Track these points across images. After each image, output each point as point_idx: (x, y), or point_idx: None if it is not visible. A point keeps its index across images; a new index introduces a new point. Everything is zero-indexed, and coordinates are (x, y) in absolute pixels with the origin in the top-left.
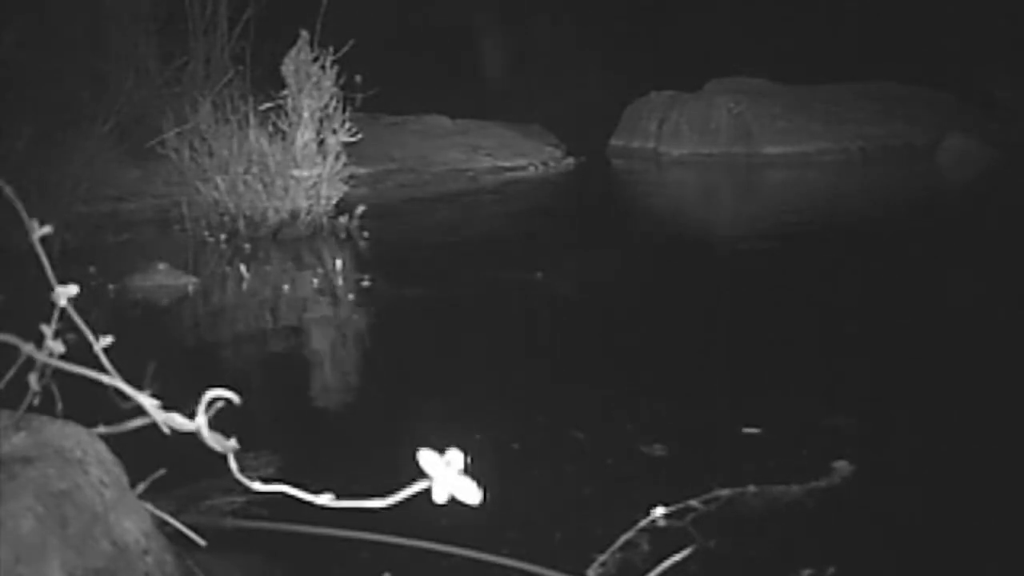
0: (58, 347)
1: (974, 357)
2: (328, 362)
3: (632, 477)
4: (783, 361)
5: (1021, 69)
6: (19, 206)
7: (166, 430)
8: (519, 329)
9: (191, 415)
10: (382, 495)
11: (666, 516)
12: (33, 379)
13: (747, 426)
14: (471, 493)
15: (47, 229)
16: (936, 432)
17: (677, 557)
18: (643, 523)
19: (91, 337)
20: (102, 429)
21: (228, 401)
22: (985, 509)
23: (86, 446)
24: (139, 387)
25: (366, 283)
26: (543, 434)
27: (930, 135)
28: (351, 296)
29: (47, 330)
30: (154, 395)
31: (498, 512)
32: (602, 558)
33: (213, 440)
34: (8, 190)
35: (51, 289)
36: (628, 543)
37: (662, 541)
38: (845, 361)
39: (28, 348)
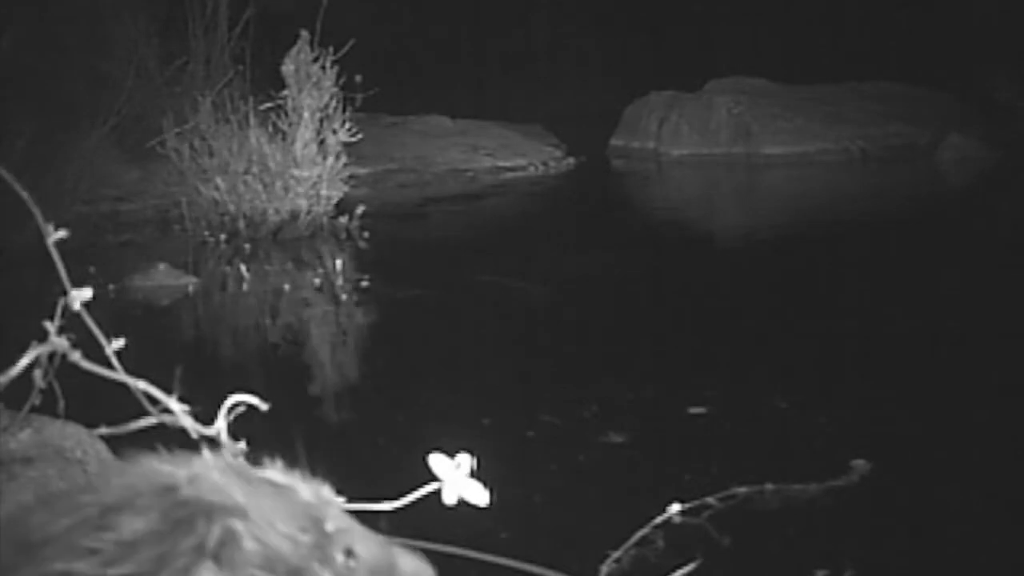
0: (63, 343)
1: (974, 355)
2: (328, 362)
3: (611, 465)
4: (782, 359)
5: (1021, 69)
6: (35, 209)
7: (194, 435)
8: (516, 328)
9: (196, 416)
10: (383, 491)
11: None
12: (38, 376)
13: (693, 406)
14: (480, 495)
15: (63, 233)
16: (936, 430)
17: (684, 570)
18: (658, 520)
19: (103, 341)
20: (103, 430)
21: (248, 406)
22: (987, 508)
23: (86, 446)
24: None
25: (365, 283)
26: (530, 423)
27: (930, 135)
28: (351, 296)
29: (51, 327)
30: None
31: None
32: (616, 555)
33: (225, 443)
34: (21, 190)
35: (55, 290)
36: (642, 540)
37: (677, 538)
38: (845, 360)
39: (56, 344)
